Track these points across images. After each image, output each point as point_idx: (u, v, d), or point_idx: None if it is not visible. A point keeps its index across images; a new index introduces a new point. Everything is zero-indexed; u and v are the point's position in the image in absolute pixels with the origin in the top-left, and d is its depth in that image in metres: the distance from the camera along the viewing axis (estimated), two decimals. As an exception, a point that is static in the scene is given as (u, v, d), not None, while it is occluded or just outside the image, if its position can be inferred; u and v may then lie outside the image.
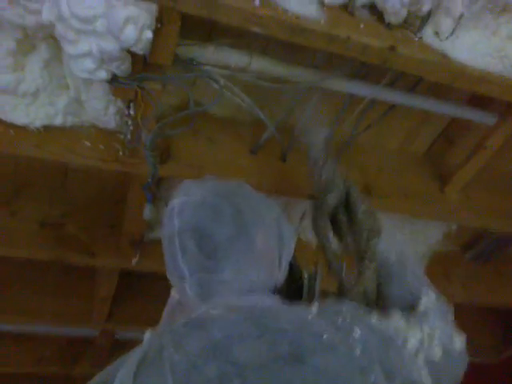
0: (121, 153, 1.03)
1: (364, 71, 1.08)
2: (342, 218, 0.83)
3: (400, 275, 0.78)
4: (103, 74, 0.84)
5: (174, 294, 0.77)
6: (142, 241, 1.38)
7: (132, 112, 0.96)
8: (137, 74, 0.87)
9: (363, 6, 0.92)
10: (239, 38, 0.96)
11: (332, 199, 0.83)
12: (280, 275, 0.73)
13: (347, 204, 0.83)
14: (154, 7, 0.78)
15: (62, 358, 1.95)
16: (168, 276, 0.74)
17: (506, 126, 1.21)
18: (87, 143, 1.02)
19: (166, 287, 1.88)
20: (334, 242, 0.81)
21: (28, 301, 1.69)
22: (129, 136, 1.00)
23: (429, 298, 0.73)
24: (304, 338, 0.56)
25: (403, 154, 1.40)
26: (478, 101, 1.23)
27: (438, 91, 1.18)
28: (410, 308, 0.73)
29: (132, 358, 0.58)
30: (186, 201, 0.71)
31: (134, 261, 1.36)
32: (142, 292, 1.83)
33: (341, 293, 0.77)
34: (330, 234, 0.82)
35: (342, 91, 1.09)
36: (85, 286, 1.69)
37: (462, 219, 1.40)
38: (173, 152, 1.09)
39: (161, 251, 1.40)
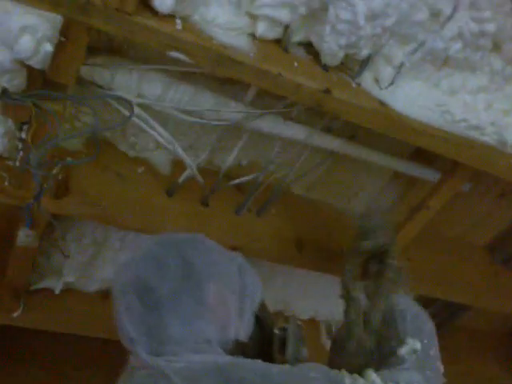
0: (7, 182, 0.99)
1: (302, 114, 1.13)
2: (372, 266, 0.93)
3: (399, 321, 0.86)
4: (-10, 88, 0.81)
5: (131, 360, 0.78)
6: (28, 290, 1.31)
7: (24, 135, 0.93)
8: (33, 90, 0.85)
9: (299, 44, 0.97)
10: (161, 63, 0.98)
11: (366, 246, 0.94)
12: (242, 327, 0.77)
13: (382, 257, 0.92)
14: (58, 18, 0.78)
15: None
16: (121, 340, 0.76)
17: (449, 185, 1.28)
18: (-34, 169, 0.97)
19: (50, 345, 1.77)
20: (358, 288, 0.91)
21: None
22: (18, 163, 0.97)
23: (411, 346, 0.81)
24: None
25: (338, 210, 1.44)
26: (424, 156, 1.30)
27: (379, 143, 1.24)
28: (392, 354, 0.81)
29: None
30: (130, 256, 0.78)
31: (16, 314, 1.28)
32: (21, 352, 1.71)
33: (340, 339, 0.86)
34: (355, 280, 0.92)
35: (273, 133, 1.12)
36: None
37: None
38: (73, 186, 1.06)
39: (49, 303, 1.35)
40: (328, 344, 1.72)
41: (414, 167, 1.28)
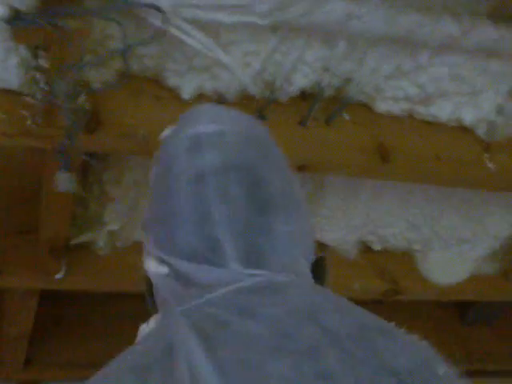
0: (30, 122, 1.08)
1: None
2: None
3: None
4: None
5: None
6: (68, 247, 1.44)
7: (42, 62, 1.01)
8: (47, 7, 0.92)
9: None
10: None
11: None
12: None
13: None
14: None
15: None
16: (168, 237, 0.72)
17: None
18: (-19, 111, 1.06)
19: (106, 312, 1.95)
20: None
21: None
22: (39, 96, 1.05)
23: None
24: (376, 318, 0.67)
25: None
26: None
27: None
28: None
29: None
30: (222, 130, 0.73)
31: (59, 276, 1.41)
32: (71, 323, 1.89)
33: None
34: None
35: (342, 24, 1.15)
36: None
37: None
38: (105, 117, 1.14)
39: (95, 260, 1.49)
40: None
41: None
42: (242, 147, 0.73)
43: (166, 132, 0.80)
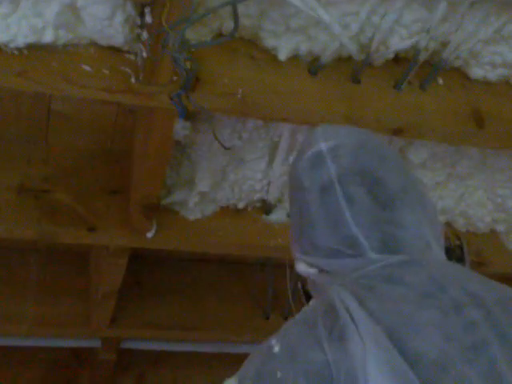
0: (133, 79, 1.10)
1: None
2: None
3: None
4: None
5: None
6: (158, 208, 1.46)
7: (149, 19, 1.02)
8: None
9: None
10: None
11: None
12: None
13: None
14: None
15: (50, 380, 2.08)
16: (309, 243, 0.86)
17: None
18: (86, 67, 1.09)
19: (186, 277, 1.98)
20: None
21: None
22: (144, 54, 1.07)
23: None
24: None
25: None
26: None
27: None
28: None
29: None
30: (337, 144, 0.85)
31: (150, 234, 1.44)
32: (154, 285, 1.93)
33: None
34: None
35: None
36: (80, 277, 1.79)
37: None
38: (202, 76, 1.15)
39: (183, 222, 1.51)
40: None
41: None
42: (356, 156, 0.84)
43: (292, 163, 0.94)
